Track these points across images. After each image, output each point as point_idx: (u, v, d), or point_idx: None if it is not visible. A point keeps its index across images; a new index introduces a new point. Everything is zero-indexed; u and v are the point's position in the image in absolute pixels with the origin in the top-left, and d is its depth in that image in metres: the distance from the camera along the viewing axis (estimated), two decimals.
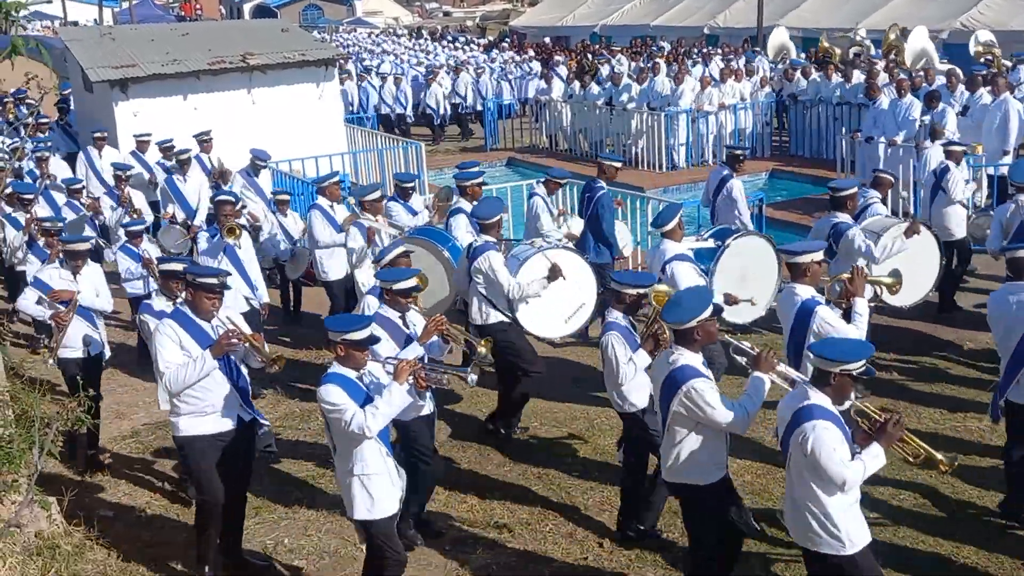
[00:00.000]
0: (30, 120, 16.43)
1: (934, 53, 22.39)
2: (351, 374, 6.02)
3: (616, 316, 7.08)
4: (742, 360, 6.13)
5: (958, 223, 11.60)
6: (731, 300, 8.78)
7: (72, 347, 8.85)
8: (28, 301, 9.09)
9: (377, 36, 48.16)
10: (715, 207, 12.02)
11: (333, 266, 11.24)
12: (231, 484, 6.99)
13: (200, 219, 13.44)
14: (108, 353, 9.50)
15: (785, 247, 7.45)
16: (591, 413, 9.58)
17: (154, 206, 14.73)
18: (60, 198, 13.35)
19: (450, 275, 9.55)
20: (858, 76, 19.84)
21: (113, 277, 10.82)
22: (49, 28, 38.49)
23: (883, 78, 18.78)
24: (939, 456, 5.45)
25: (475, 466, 8.73)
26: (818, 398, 5.33)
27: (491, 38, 44.52)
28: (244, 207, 11.86)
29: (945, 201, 11.59)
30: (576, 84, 23.99)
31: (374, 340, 6.19)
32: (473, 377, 6.37)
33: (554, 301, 8.86)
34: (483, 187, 10.85)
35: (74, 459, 8.84)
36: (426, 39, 44.33)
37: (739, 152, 12.29)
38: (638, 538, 7.31)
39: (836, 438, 5.21)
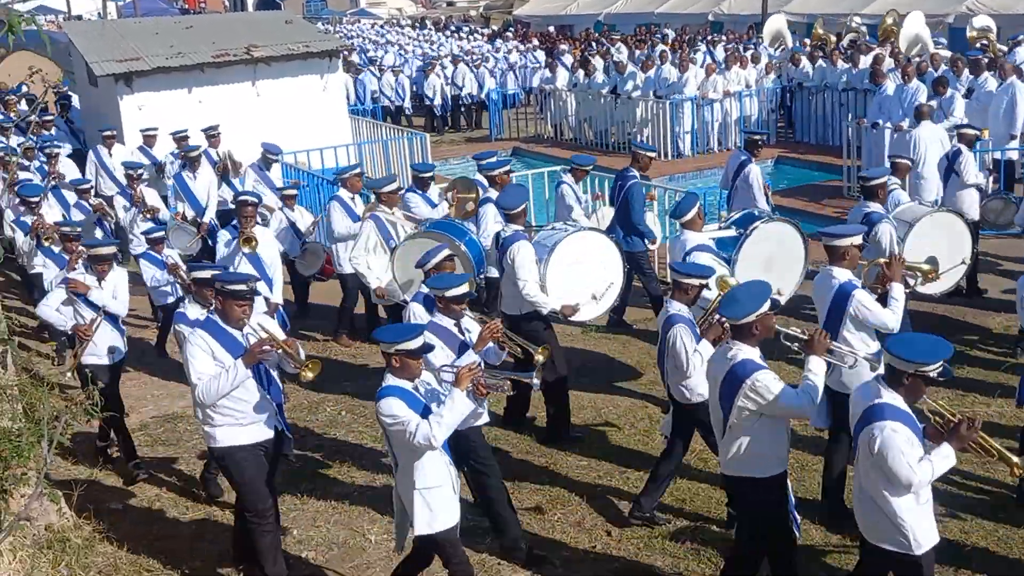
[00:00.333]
0: (33, 117, 16.48)
1: (929, 38, 22.34)
2: (407, 385, 5.84)
3: (679, 308, 7.05)
4: (794, 345, 6.11)
5: (971, 205, 11.55)
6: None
7: (96, 354, 8.65)
8: (49, 308, 8.83)
9: (381, 27, 48.06)
10: (732, 192, 11.95)
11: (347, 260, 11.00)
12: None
13: (209, 216, 13.29)
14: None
15: (825, 230, 7.43)
16: (598, 402, 9.58)
17: (162, 201, 14.65)
18: (71, 197, 13.13)
19: (468, 269, 9.57)
20: (865, 62, 19.77)
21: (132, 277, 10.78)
22: (53, 22, 38.44)
23: (888, 63, 18.71)
24: (1015, 459, 5.33)
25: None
26: (890, 396, 5.24)
27: (495, 28, 44.40)
28: (263, 203, 11.73)
29: (959, 184, 11.57)
30: (580, 73, 23.94)
31: (428, 348, 6.04)
32: (536, 381, 6.28)
33: (582, 283, 8.86)
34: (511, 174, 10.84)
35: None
36: (430, 29, 44.25)
37: (758, 137, 12.20)
38: (649, 522, 7.33)
39: (905, 440, 5.11)
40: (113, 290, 8.93)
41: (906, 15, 23.33)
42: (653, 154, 11.57)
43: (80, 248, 9.42)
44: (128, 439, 8.83)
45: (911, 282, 8.17)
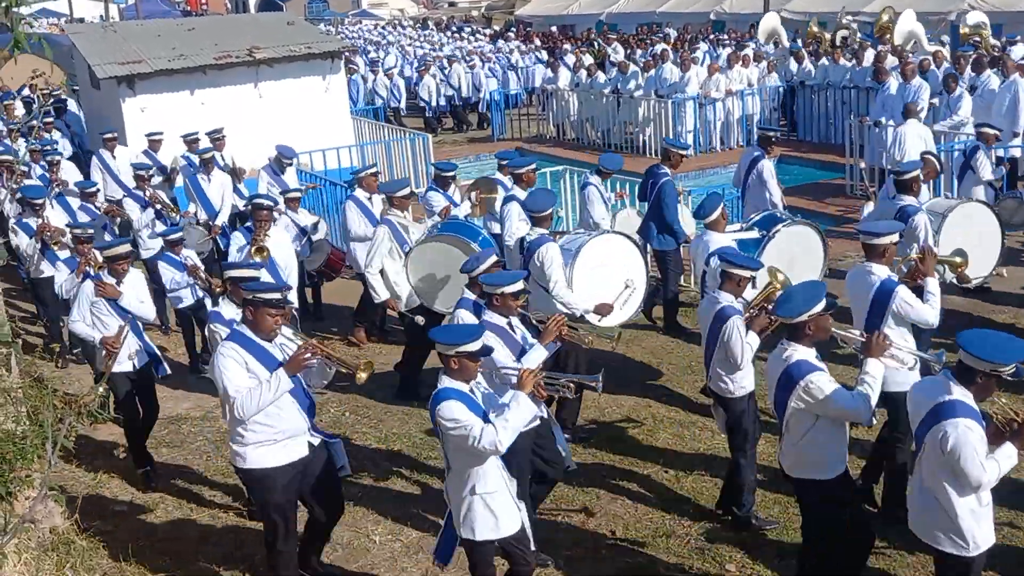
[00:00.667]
0: (35, 123, 16.46)
1: (923, 36, 22.35)
2: (463, 387, 5.66)
3: (729, 299, 7.05)
4: (851, 347, 6.06)
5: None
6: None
7: (119, 361, 8.42)
8: (82, 323, 8.60)
9: (383, 28, 48.09)
10: (745, 189, 11.94)
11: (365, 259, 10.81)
12: (321, 507, 6.63)
13: (222, 219, 13.13)
14: (167, 369, 9.15)
15: (863, 228, 7.46)
16: (601, 402, 9.57)
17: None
18: (74, 202, 12.88)
19: None
20: (868, 60, 19.77)
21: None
22: (55, 25, 38.49)
23: (891, 61, 18.69)
24: None
25: None
26: (960, 393, 5.15)
27: (497, 28, 44.42)
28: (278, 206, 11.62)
29: (974, 180, 11.60)
30: (583, 73, 23.94)
31: (489, 350, 5.86)
32: (601, 385, 6.16)
33: (606, 288, 8.87)
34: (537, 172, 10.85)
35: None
36: (432, 30, 44.27)
37: (771, 133, 12.14)
38: (742, 522, 7.27)
39: (979, 439, 5.05)
40: (136, 293, 8.78)
41: (901, 13, 23.33)
42: (685, 152, 11.52)
43: (92, 251, 9.32)
44: (139, 431, 8.72)
45: (947, 276, 8.23)
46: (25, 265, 11.81)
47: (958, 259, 8.12)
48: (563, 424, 8.58)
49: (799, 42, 24.74)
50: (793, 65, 22.03)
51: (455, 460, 5.73)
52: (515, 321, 6.82)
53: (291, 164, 14.05)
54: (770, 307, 6.81)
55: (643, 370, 10.36)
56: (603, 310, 8.84)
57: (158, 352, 8.99)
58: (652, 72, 21.92)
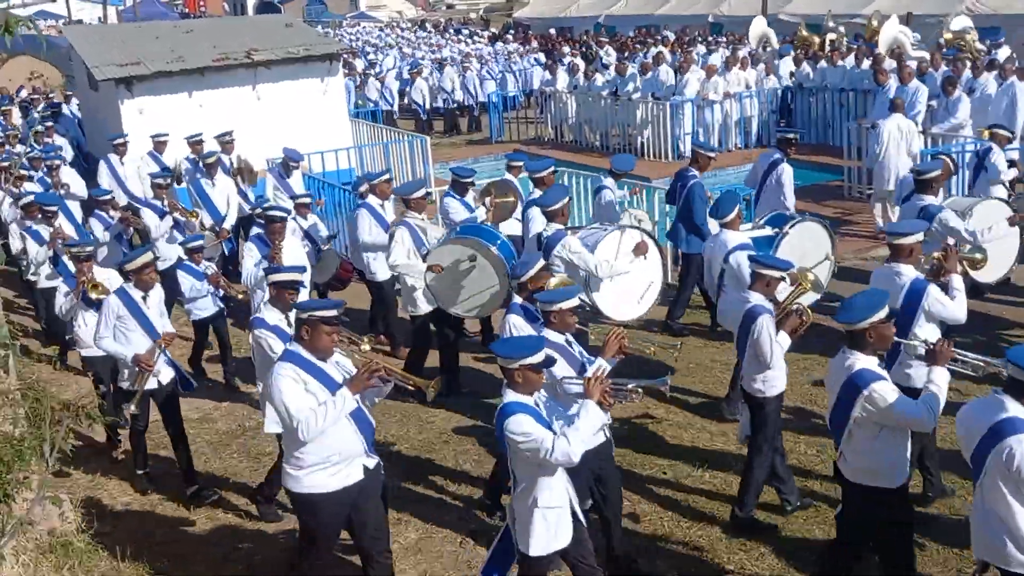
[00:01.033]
0: (39, 128, 16.44)
1: (906, 40, 22.45)
2: (528, 400, 5.56)
3: (759, 299, 7.03)
4: (916, 356, 6.01)
5: None
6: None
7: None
8: (111, 340, 8.20)
9: (381, 30, 48.14)
10: (761, 190, 11.90)
11: (382, 266, 10.75)
12: (368, 539, 6.29)
13: (229, 223, 12.99)
14: (194, 384, 8.91)
15: (888, 228, 7.55)
16: None
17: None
18: (75, 208, 12.71)
19: (502, 273, 9.59)
20: (867, 60, 19.82)
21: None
22: (54, 27, 38.50)
23: (890, 63, 18.72)
24: None
25: (486, 457, 8.72)
26: (1016, 409, 5.07)
27: (495, 30, 44.47)
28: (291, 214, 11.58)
29: (987, 181, 11.62)
30: (581, 75, 23.96)
31: (551, 362, 5.75)
32: (668, 387, 6.09)
33: (626, 282, 8.89)
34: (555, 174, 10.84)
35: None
36: (430, 32, 44.32)
37: (792, 136, 12.12)
38: (742, 523, 7.24)
39: None
40: (159, 309, 8.47)
41: (888, 17, 23.47)
42: (714, 155, 11.47)
43: (88, 269, 9.04)
44: (190, 462, 8.51)
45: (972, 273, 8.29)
46: (27, 271, 11.63)
47: (978, 256, 8.12)
48: None
49: (791, 45, 24.80)
50: (785, 67, 22.06)
51: (524, 473, 5.61)
52: (571, 338, 6.68)
53: (297, 167, 13.94)
54: (799, 307, 6.88)
55: (641, 372, 10.34)
56: (641, 249, 8.98)
57: (182, 368, 8.83)
58: (649, 74, 21.94)
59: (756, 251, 8.74)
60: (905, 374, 6.92)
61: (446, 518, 7.71)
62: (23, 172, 12.99)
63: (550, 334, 6.49)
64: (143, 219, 12.15)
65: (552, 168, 10.81)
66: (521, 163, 12.10)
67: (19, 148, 15.79)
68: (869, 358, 5.75)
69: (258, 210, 11.18)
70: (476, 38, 39.82)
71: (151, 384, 8.18)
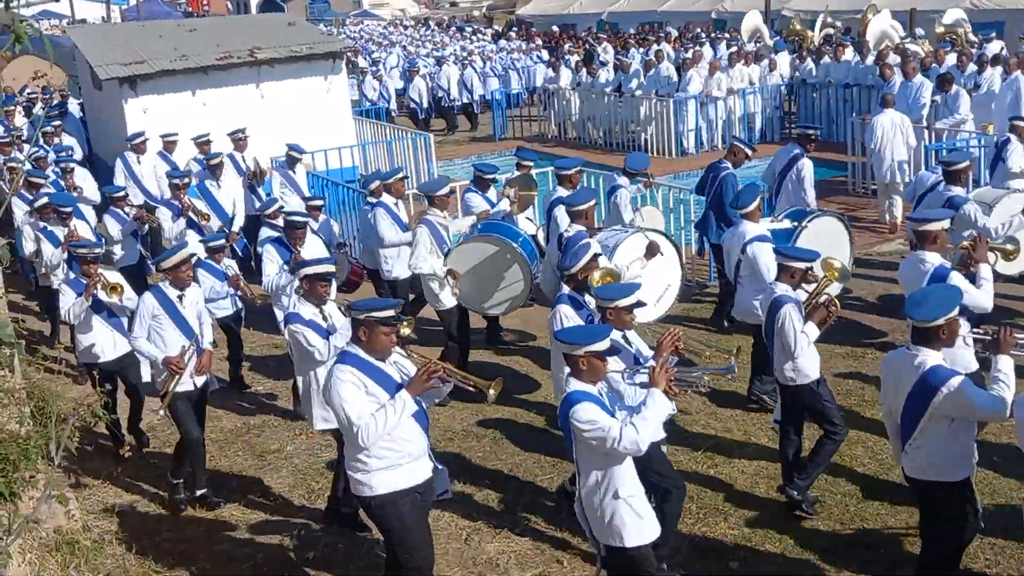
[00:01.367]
0: (49, 128, 16.39)
1: (894, 34, 22.45)
2: (592, 389, 5.51)
3: (785, 289, 7.09)
4: (977, 347, 6.00)
5: None
6: None
7: (181, 381, 8.01)
8: (143, 339, 8.02)
9: (385, 28, 48.13)
10: (780, 186, 11.88)
11: (398, 264, 10.79)
12: None
13: (238, 225, 12.83)
14: (215, 383, 8.66)
15: (914, 215, 7.60)
16: None
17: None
18: (88, 211, 12.51)
19: (525, 270, 9.58)
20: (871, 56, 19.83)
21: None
22: (57, 26, 38.54)
23: (894, 59, 18.70)
24: None
25: (490, 455, 8.73)
26: None
27: (498, 27, 44.44)
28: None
29: (1005, 172, 11.63)
30: (584, 72, 23.94)
31: (616, 350, 5.69)
32: (735, 374, 5.99)
33: (643, 284, 8.90)
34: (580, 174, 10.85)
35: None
36: (433, 30, 44.30)
37: (812, 132, 12.04)
38: (801, 501, 7.27)
39: None
40: (197, 311, 8.28)
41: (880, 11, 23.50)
42: (752, 152, 11.46)
43: (100, 273, 8.81)
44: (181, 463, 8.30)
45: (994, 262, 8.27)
46: (38, 272, 11.49)
47: (1009, 247, 8.11)
48: None
49: (784, 40, 24.81)
50: (782, 62, 22.05)
51: (590, 464, 5.53)
52: (631, 335, 6.63)
53: (300, 159, 13.89)
54: (824, 299, 6.92)
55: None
56: (652, 250, 8.94)
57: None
58: (652, 71, 21.93)
59: (775, 243, 8.78)
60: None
61: (451, 514, 7.71)
62: (36, 179, 12.59)
63: None
64: (158, 218, 12.09)
65: (579, 167, 10.77)
66: (531, 162, 11.98)
67: (26, 148, 15.64)
68: (937, 354, 5.69)
69: (270, 210, 11.14)
70: (479, 36, 39.79)
71: (187, 386, 8.00)
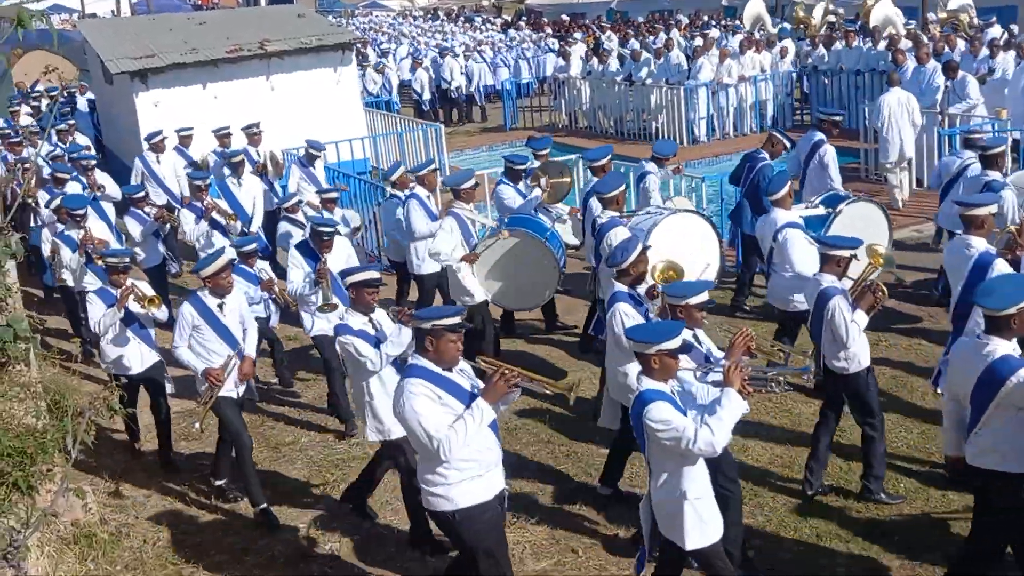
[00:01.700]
0: (63, 126, 16.37)
1: (897, 19, 22.34)
2: (664, 388, 5.41)
3: (831, 280, 7.05)
4: None
5: None
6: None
7: (225, 387, 7.84)
8: (184, 349, 7.78)
9: (394, 18, 48.08)
10: (806, 173, 11.81)
11: (429, 260, 10.40)
12: None
13: (256, 225, 12.40)
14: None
15: (960, 199, 7.49)
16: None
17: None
18: (109, 208, 12.28)
19: (552, 265, 9.58)
20: (883, 42, 19.72)
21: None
22: (68, 21, 38.61)
23: (906, 44, 18.61)
24: None
25: (504, 444, 8.71)
26: None
27: (507, 17, 44.35)
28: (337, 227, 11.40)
29: None
30: (595, 61, 23.89)
31: (689, 347, 5.57)
32: (811, 377, 5.86)
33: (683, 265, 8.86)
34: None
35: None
36: (442, 20, 44.25)
37: (837, 118, 11.96)
38: (872, 492, 7.26)
39: None
40: (240, 317, 8.05)
41: None
42: (789, 144, 11.32)
43: (131, 283, 8.48)
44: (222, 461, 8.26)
45: None
46: (56, 273, 11.28)
47: None
48: None
49: (787, 28, 24.70)
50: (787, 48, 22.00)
51: (661, 464, 5.47)
52: (700, 333, 6.48)
53: (319, 156, 13.80)
54: (874, 284, 6.89)
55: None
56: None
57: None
58: (662, 59, 21.87)
59: (808, 231, 8.75)
60: None
61: None
62: (62, 174, 12.38)
63: None
64: (180, 220, 11.88)
65: (610, 155, 10.67)
66: (547, 150, 11.82)
67: (42, 146, 15.52)
68: (1009, 344, 5.59)
69: (288, 204, 11.05)
70: (488, 25, 39.73)
71: (231, 392, 7.83)
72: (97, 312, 8.55)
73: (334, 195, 11.46)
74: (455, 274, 9.86)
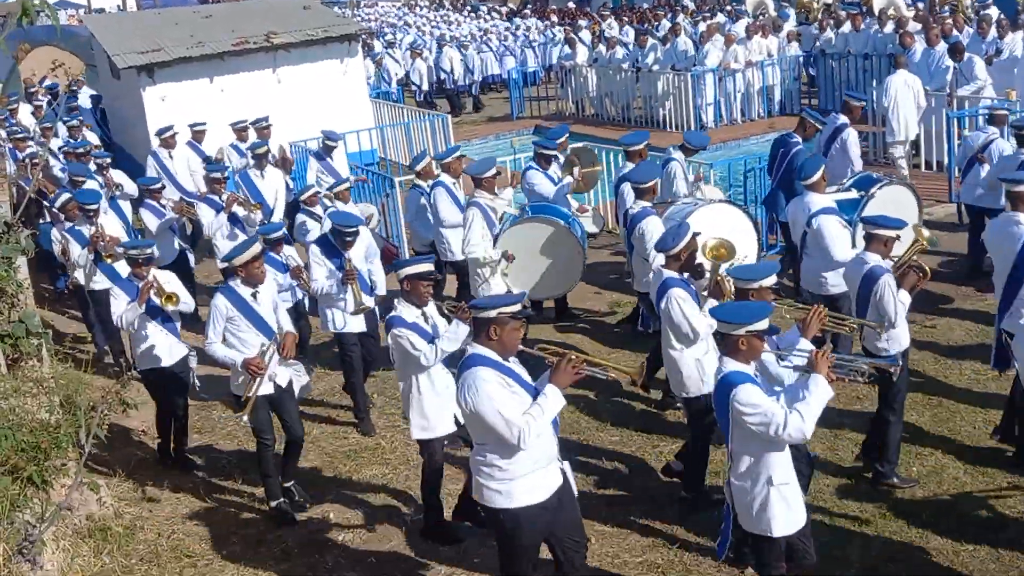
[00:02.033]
0: (75, 123, 16.37)
1: (901, 3, 22.21)
2: (750, 370, 5.32)
3: (876, 259, 7.01)
4: None
5: None
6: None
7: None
8: (218, 344, 7.55)
9: (399, 8, 47.98)
10: (826, 156, 11.49)
11: (459, 246, 10.21)
12: (568, 547, 5.74)
13: (277, 217, 12.10)
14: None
15: (1006, 176, 7.43)
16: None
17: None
18: (127, 208, 12.19)
19: (577, 252, 9.55)
20: (891, 24, 19.60)
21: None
22: (74, 16, 38.62)
23: (914, 26, 18.49)
24: None
25: None
26: None
27: (513, 6, 44.20)
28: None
29: None
30: (602, 48, 23.81)
31: (776, 330, 5.45)
32: (898, 369, 5.73)
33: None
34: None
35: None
36: (448, 10, 44.13)
37: (859, 102, 11.88)
38: (884, 477, 7.24)
39: None
40: (273, 304, 7.81)
41: None
42: (821, 126, 11.19)
43: (153, 276, 8.31)
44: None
45: None
46: (70, 273, 11.10)
47: None
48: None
49: (787, 11, 24.55)
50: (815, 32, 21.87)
51: (744, 448, 5.37)
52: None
53: (336, 146, 13.67)
54: (917, 264, 6.88)
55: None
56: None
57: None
58: (669, 45, 21.78)
59: (841, 215, 8.69)
60: (1020, 324, 7.02)
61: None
62: (79, 177, 12.02)
63: None
64: (199, 213, 11.76)
65: (646, 141, 10.56)
66: (565, 137, 11.64)
67: (54, 143, 15.40)
68: None
69: (305, 196, 11.02)
70: (494, 14, 39.61)
71: (267, 389, 7.57)
72: (119, 306, 8.37)
73: (347, 185, 11.20)
74: (477, 267, 9.75)
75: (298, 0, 20.42)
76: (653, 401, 8.96)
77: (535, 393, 5.41)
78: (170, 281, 8.51)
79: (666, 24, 24.87)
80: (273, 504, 7.78)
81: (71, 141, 15.43)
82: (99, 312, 10.68)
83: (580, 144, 11.82)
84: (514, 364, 5.53)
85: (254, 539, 7.55)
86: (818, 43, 21.40)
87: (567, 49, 25.70)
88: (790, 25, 22.48)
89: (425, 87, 26.96)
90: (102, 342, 11.21)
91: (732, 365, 5.31)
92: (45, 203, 11.96)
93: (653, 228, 8.64)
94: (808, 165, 8.95)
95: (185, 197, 13.26)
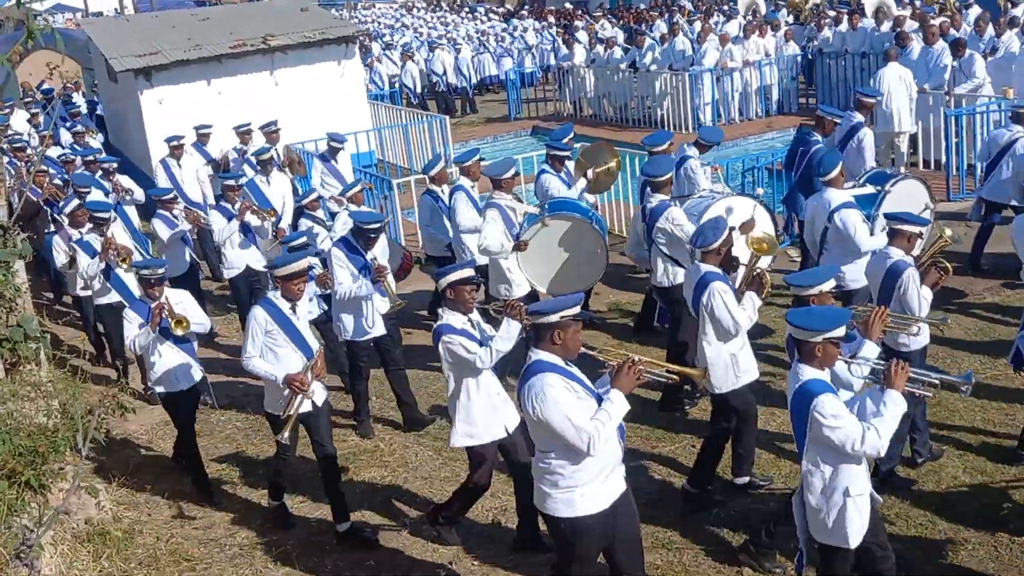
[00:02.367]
0: (80, 128, 16.34)
1: (891, 2, 22.24)
2: (824, 376, 5.20)
3: (899, 254, 6.97)
4: None
5: None
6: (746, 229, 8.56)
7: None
8: (257, 359, 7.25)
9: (396, 10, 48.00)
10: (843, 154, 11.66)
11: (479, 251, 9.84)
12: (624, 557, 5.62)
13: (286, 223, 11.82)
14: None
15: None
16: None
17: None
18: (133, 215, 12.03)
19: (599, 246, 9.54)
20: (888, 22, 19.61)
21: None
22: (71, 20, 38.62)
23: (911, 24, 18.49)
24: None
25: None
26: None
27: (510, 7, 44.23)
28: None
29: None
30: (599, 48, 23.82)
31: (851, 336, 5.37)
32: (970, 388, 5.50)
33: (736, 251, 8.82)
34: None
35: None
36: (445, 11, 44.14)
37: (872, 98, 11.83)
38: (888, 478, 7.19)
39: None
40: (305, 322, 7.53)
41: None
42: (839, 119, 11.09)
43: (165, 297, 8.04)
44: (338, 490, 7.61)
45: None
46: (70, 285, 10.84)
47: None
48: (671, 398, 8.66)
49: (775, 11, 24.60)
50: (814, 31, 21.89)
51: (820, 459, 5.25)
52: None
53: (341, 148, 13.52)
54: (939, 260, 6.88)
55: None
56: (745, 228, 8.51)
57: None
58: (666, 45, 21.80)
59: (860, 209, 8.66)
60: None
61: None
62: (83, 187, 11.71)
63: None
64: (210, 221, 11.47)
65: (670, 141, 10.44)
66: (570, 136, 11.46)
67: (53, 151, 15.28)
68: None
69: (307, 200, 10.92)
70: (491, 15, 39.62)
71: (306, 407, 7.26)
72: (132, 330, 8.07)
73: (358, 189, 10.82)
74: (497, 265, 9.64)
75: (295, 2, 20.43)
76: (652, 401, 8.94)
77: (598, 398, 5.34)
78: (182, 302, 8.26)
79: (660, 25, 24.86)
80: (275, 504, 7.75)
81: (77, 148, 15.33)
82: (106, 326, 10.53)
83: (592, 143, 11.69)
84: (574, 368, 5.44)
85: (253, 543, 7.54)
86: (815, 43, 21.42)
87: (564, 49, 25.73)
88: (779, 24, 22.51)
89: (418, 89, 26.95)
90: (113, 357, 10.96)
91: (809, 372, 5.21)
92: (52, 211, 11.75)
93: (678, 216, 8.66)
94: (827, 161, 8.89)
95: (189, 207, 12.96)
